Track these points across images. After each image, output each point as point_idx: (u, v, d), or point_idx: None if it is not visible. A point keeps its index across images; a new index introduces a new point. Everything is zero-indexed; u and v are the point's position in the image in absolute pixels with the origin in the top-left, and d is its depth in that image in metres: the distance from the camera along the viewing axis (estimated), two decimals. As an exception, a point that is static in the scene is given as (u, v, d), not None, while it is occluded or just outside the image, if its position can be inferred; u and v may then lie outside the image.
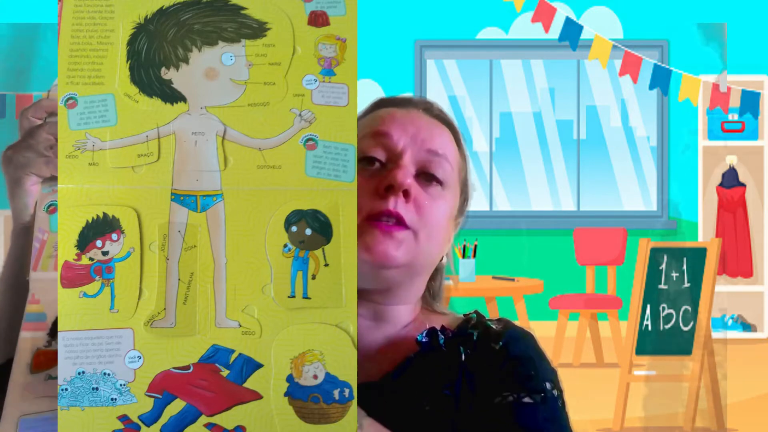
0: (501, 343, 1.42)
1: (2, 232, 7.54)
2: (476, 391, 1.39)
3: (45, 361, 1.23)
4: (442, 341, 1.43)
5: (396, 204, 1.39)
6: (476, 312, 1.48)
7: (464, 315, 1.49)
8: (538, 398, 1.38)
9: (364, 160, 1.43)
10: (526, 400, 1.38)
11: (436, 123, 1.49)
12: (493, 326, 1.44)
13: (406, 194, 1.40)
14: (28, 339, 1.24)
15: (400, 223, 1.40)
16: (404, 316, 1.46)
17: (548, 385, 1.40)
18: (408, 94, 1.56)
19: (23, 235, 1.32)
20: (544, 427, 1.37)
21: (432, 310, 1.51)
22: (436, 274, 1.51)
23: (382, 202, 1.39)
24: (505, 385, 1.39)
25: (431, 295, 1.52)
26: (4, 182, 1.32)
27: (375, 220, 1.39)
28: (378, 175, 1.42)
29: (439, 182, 1.45)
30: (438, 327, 1.45)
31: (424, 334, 1.43)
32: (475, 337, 1.43)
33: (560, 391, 1.42)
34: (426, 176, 1.44)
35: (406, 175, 1.41)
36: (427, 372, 1.40)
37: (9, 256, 1.35)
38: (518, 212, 9.78)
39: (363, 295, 1.41)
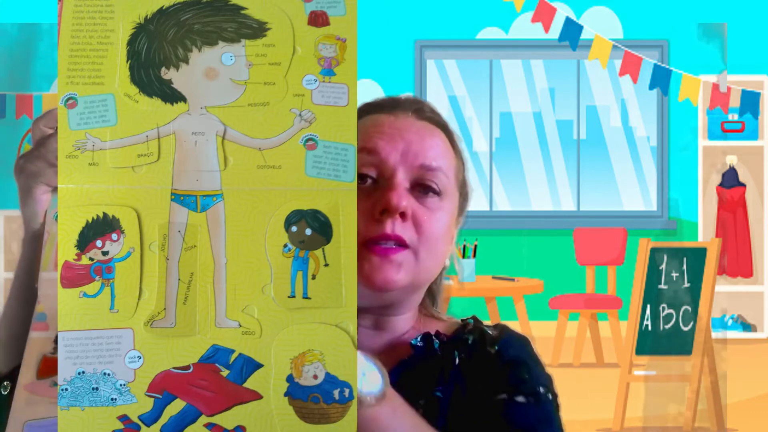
0: (496, 347, 1.42)
1: (2, 232, 7.55)
2: (469, 392, 1.38)
3: (50, 368, 1.22)
4: (437, 345, 1.42)
5: (393, 227, 1.35)
6: (473, 317, 1.48)
7: (461, 320, 1.48)
8: (531, 399, 1.38)
9: None
10: (519, 399, 1.37)
11: (428, 128, 1.43)
12: (490, 332, 1.44)
13: (403, 215, 1.36)
14: (36, 342, 1.24)
15: (400, 243, 1.36)
16: (404, 323, 1.45)
17: (542, 389, 1.39)
18: (395, 96, 1.49)
19: (33, 244, 1.32)
20: (535, 426, 1.36)
21: (431, 315, 1.49)
22: (437, 277, 1.49)
23: (378, 225, 1.36)
24: (499, 386, 1.38)
25: (431, 298, 1.50)
26: (4, 185, 1.32)
27: (373, 243, 1.35)
28: (372, 194, 1.37)
29: (436, 193, 1.40)
30: (435, 332, 1.44)
31: (418, 339, 1.42)
32: (470, 341, 1.43)
33: (554, 396, 1.41)
34: (422, 187, 1.40)
35: (401, 197, 1.36)
36: (421, 375, 1.40)
37: (20, 265, 1.34)
38: (518, 212, 9.78)
39: (363, 308, 1.40)
